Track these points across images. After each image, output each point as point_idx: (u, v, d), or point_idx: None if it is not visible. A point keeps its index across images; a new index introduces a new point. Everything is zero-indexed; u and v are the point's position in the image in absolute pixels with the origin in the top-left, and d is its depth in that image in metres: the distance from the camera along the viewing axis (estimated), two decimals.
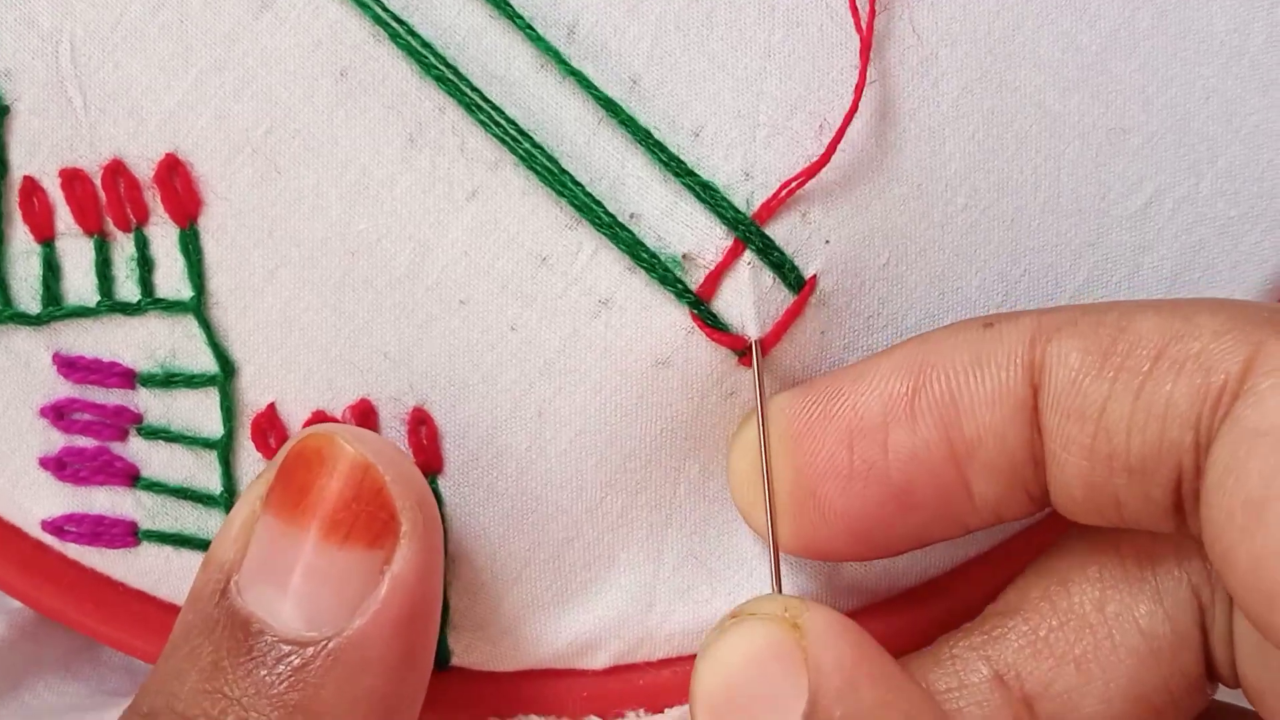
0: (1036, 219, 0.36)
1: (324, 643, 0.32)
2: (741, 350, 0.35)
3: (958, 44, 0.35)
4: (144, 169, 0.35)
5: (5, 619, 0.39)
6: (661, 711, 0.38)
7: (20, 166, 0.35)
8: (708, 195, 0.34)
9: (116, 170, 0.35)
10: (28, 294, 0.36)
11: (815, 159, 0.34)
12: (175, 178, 0.35)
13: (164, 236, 0.35)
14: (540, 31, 0.34)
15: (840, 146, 0.34)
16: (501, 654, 0.37)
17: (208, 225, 0.35)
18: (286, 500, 0.33)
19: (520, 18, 0.34)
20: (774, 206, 0.34)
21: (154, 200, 0.35)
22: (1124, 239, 0.36)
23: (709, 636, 0.32)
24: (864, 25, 0.33)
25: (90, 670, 0.39)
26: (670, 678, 0.38)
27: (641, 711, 0.38)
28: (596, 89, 0.34)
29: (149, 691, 0.33)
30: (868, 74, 0.34)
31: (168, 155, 0.35)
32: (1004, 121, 0.35)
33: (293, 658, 0.32)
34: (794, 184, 0.34)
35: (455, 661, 0.37)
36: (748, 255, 0.34)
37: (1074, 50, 0.35)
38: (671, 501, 0.36)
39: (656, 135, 0.34)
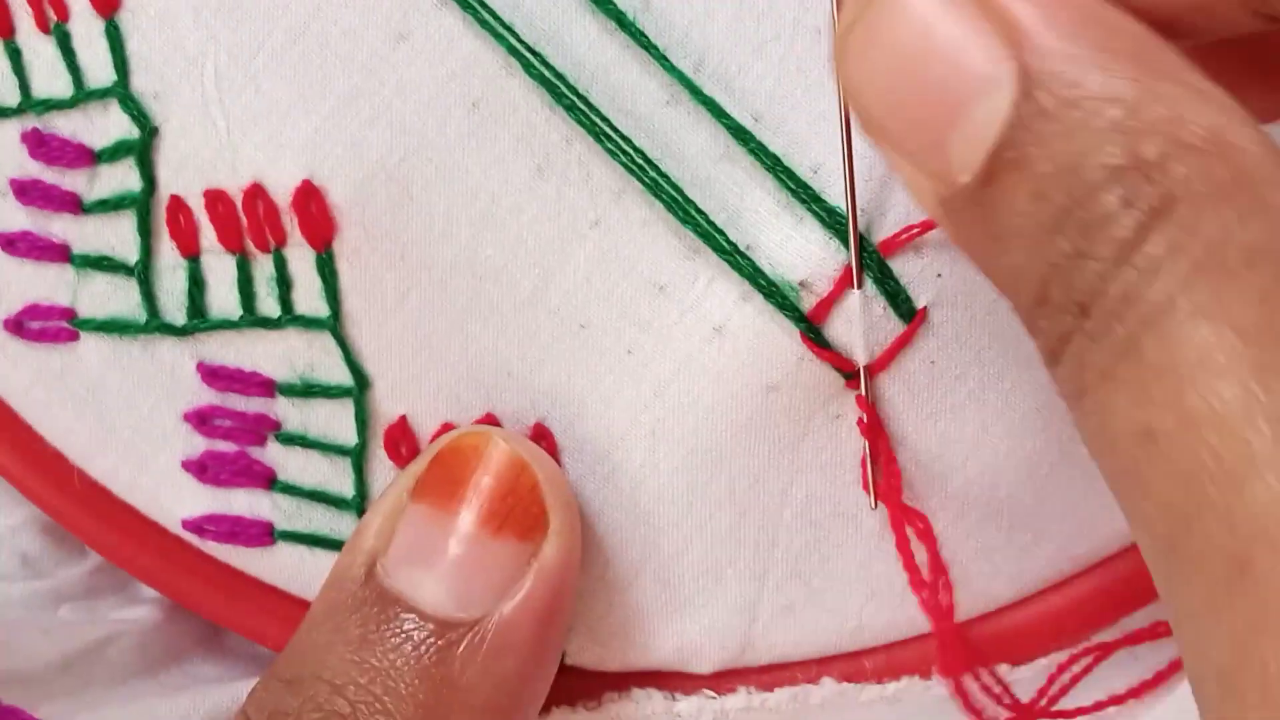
0: None
1: (471, 624, 0.34)
2: (849, 373, 0.36)
3: None
4: (282, 194, 0.36)
5: (152, 604, 0.41)
6: (772, 690, 0.40)
7: (168, 185, 0.37)
8: (832, 221, 0.35)
9: (256, 194, 0.36)
10: (174, 306, 0.38)
11: None
12: (311, 204, 0.36)
13: (301, 259, 0.37)
14: (673, 63, 0.35)
15: None
16: (610, 656, 0.39)
17: (342, 250, 0.37)
18: (442, 489, 0.35)
19: (655, 47, 0.35)
20: (893, 245, 0.35)
21: (291, 224, 0.36)
22: None
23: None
24: None
25: (220, 655, 0.42)
26: (776, 674, 0.39)
27: (753, 688, 0.40)
28: (728, 116, 0.35)
29: (292, 660, 0.35)
30: None
31: (304, 182, 0.36)
32: None
33: (441, 635, 0.34)
34: (916, 230, 0.35)
35: (568, 661, 0.39)
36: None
37: None
38: (778, 523, 0.38)
39: (785, 162, 0.35)
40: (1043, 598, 0.39)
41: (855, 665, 0.39)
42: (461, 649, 0.34)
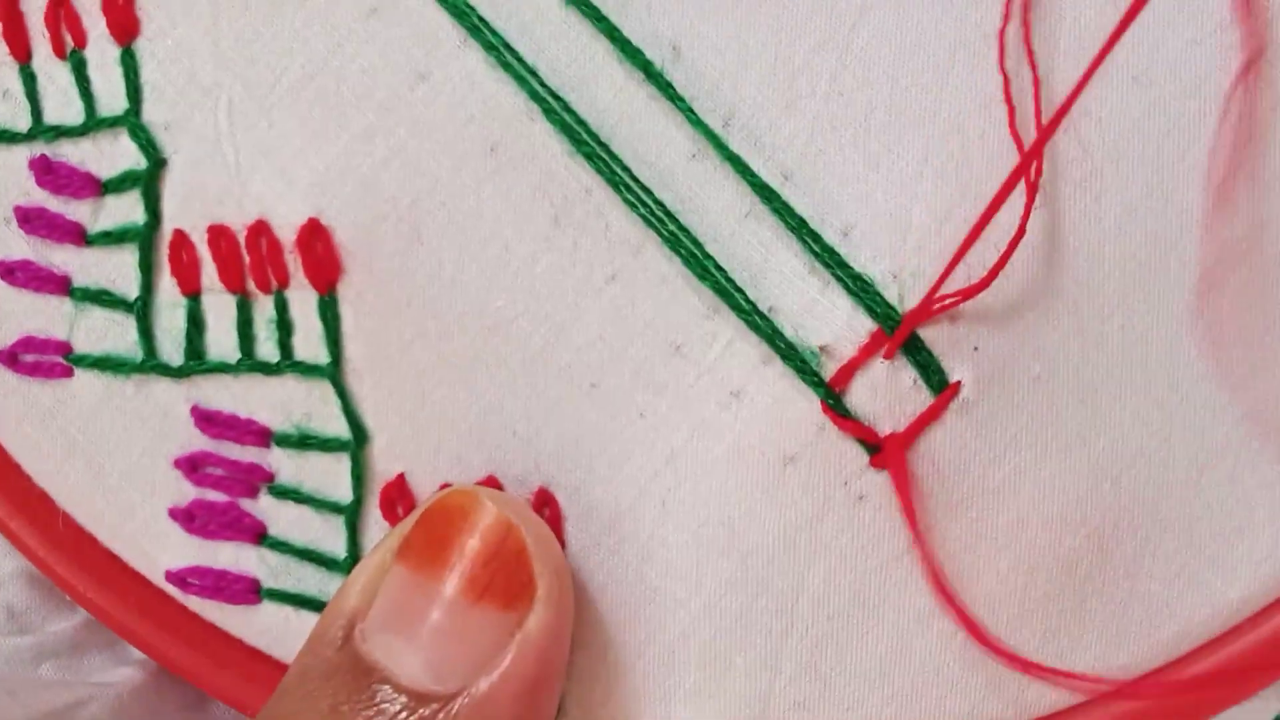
0: (1195, 345, 0.34)
1: (447, 699, 0.32)
2: (872, 448, 0.34)
3: (1123, 160, 0.33)
4: (287, 232, 0.35)
5: (138, 666, 0.40)
6: None
7: (172, 219, 0.36)
8: (858, 287, 0.33)
9: (260, 231, 0.35)
10: (171, 345, 0.36)
11: (973, 272, 0.33)
12: (317, 242, 0.35)
13: (303, 301, 0.35)
14: (700, 116, 0.34)
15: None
16: None
17: (346, 293, 0.35)
18: (425, 552, 0.33)
19: (682, 100, 0.34)
20: (924, 313, 0.33)
21: (295, 264, 0.35)
22: None
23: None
24: (1029, 144, 0.32)
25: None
26: None
27: None
28: (753, 174, 0.34)
29: None
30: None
31: (310, 220, 0.35)
32: (1168, 243, 0.33)
33: (415, 709, 0.32)
34: (950, 300, 0.33)
35: None
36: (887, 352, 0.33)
37: (1245, 174, 0.33)
38: (793, 610, 0.35)
39: (811, 225, 0.34)
40: (1080, 712, 0.36)
41: None
42: None
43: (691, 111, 0.34)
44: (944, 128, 0.33)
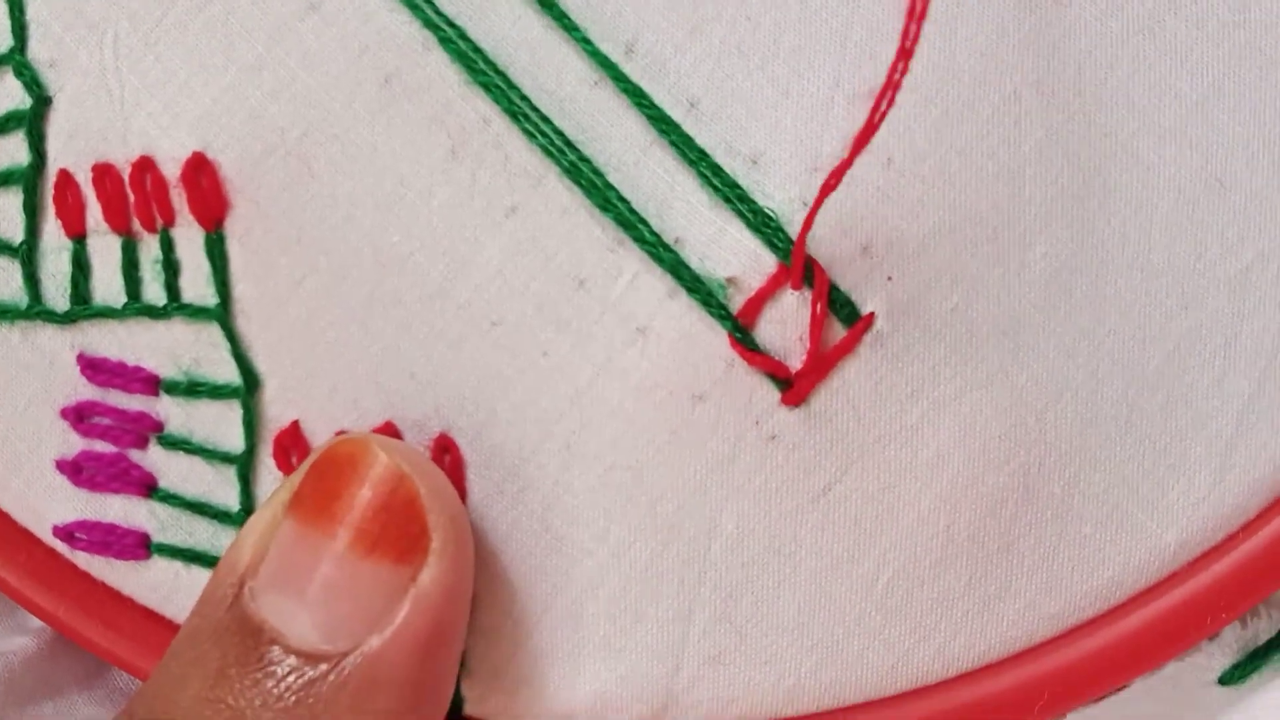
0: (1124, 275, 0.32)
1: (338, 658, 0.30)
2: (783, 383, 0.32)
3: (1044, 83, 0.32)
4: (172, 168, 0.34)
5: (33, 635, 0.38)
6: None
7: (56, 160, 0.34)
8: (759, 222, 0.32)
9: (145, 168, 0.34)
10: (56, 291, 0.35)
11: (880, 190, 0.32)
12: (202, 177, 0.33)
13: (190, 240, 0.34)
14: (597, 46, 0.32)
15: (910, 183, 0.32)
16: (517, 706, 0.35)
17: (234, 229, 0.34)
18: (314, 505, 0.32)
19: (577, 30, 0.32)
20: (807, 228, 0.31)
21: (180, 201, 0.34)
22: (1221, 304, 0.32)
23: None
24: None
25: (104, 693, 0.38)
26: None
27: None
28: (652, 105, 0.32)
29: (146, 697, 0.31)
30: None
31: (195, 154, 0.33)
32: (1091, 167, 0.32)
33: (304, 671, 0.30)
34: (837, 174, 0.31)
35: (469, 710, 0.35)
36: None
37: (1172, 97, 0.32)
38: (705, 558, 0.34)
39: (712, 158, 0.32)
40: (1013, 666, 0.34)
41: None
42: (325, 687, 0.30)
43: (588, 41, 0.32)
44: (855, 52, 0.32)
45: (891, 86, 0.30)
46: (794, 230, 0.32)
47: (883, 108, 0.30)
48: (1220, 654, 0.35)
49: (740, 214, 0.32)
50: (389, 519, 0.32)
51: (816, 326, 0.32)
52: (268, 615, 0.31)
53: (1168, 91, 0.32)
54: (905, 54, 0.30)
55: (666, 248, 0.32)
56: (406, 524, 0.32)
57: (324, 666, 0.31)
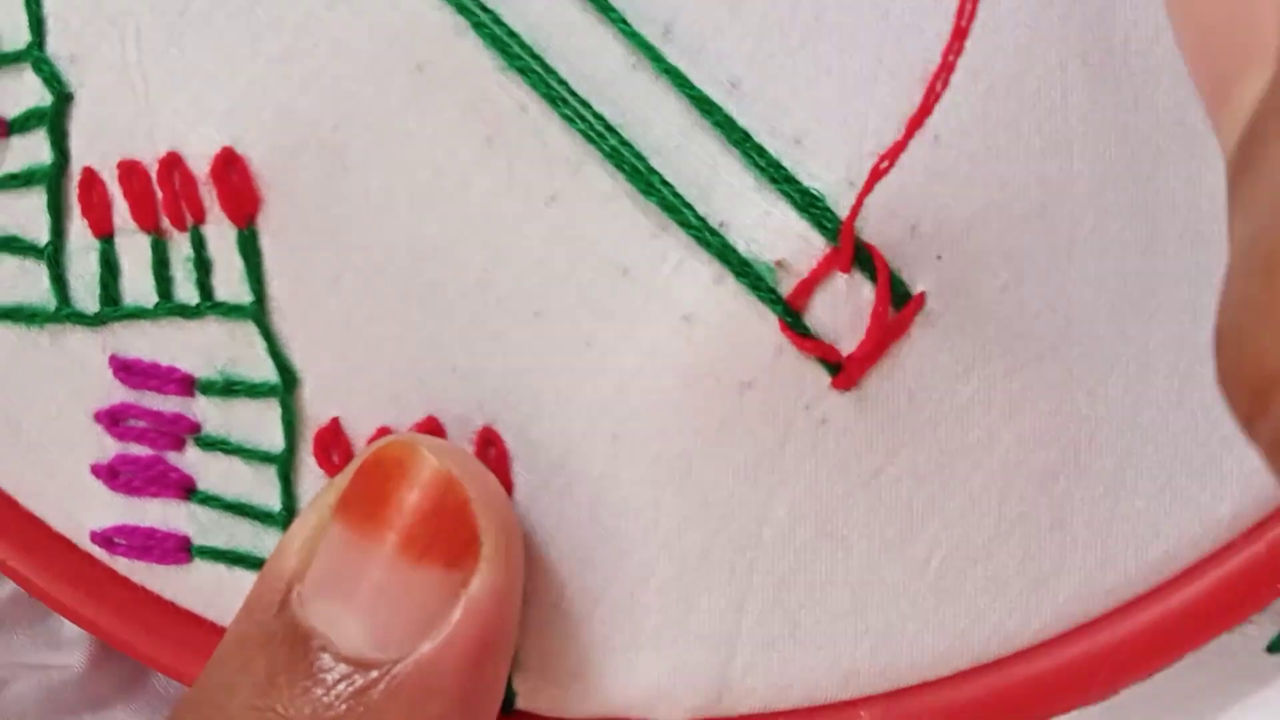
0: (1174, 246, 0.32)
1: (389, 666, 0.30)
2: (834, 367, 0.32)
3: (1090, 55, 0.31)
4: (200, 164, 0.33)
5: (71, 648, 0.37)
6: None
7: (81, 157, 0.33)
8: (806, 203, 0.31)
9: (173, 164, 0.33)
10: (85, 292, 0.34)
11: (928, 168, 0.31)
12: (232, 173, 0.33)
13: (222, 237, 0.33)
14: (634, 28, 0.32)
15: (958, 160, 0.31)
16: (570, 699, 0.34)
17: (267, 225, 0.33)
18: (361, 509, 0.31)
19: (613, 11, 0.32)
20: (855, 213, 0.31)
21: (210, 197, 0.33)
22: None
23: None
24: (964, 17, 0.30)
25: (144, 701, 0.38)
26: None
27: None
28: (692, 87, 0.31)
29: (192, 704, 0.31)
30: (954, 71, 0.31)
31: (225, 149, 0.33)
32: (1139, 139, 0.31)
33: (355, 679, 0.30)
34: (890, 155, 0.30)
35: (520, 704, 0.35)
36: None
37: None
38: (757, 545, 0.33)
39: (756, 139, 0.32)
40: (1070, 643, 0.34)
41: (849, 717, 0.34)
42: (377, 695, 0.30)
43: (624, 23, 0.32)
44: (897, 26, 0.31)
45: (946, 68, 0.29)
46: (842, 211, 0.31)
47: (938, 89, 0.29)
48: (1269, 622, 0.35)
49: (786, 195, 0.31)
50: (439, 524, 0.31)
51: (882, 309, 0.31)
52: (316, 622, 0.31)
53: None
54: (960, 34, 0.29)
55: (713, 231, 0.32)
56: (457, 528, 0.31)
57: (375, 674, 0.30)
